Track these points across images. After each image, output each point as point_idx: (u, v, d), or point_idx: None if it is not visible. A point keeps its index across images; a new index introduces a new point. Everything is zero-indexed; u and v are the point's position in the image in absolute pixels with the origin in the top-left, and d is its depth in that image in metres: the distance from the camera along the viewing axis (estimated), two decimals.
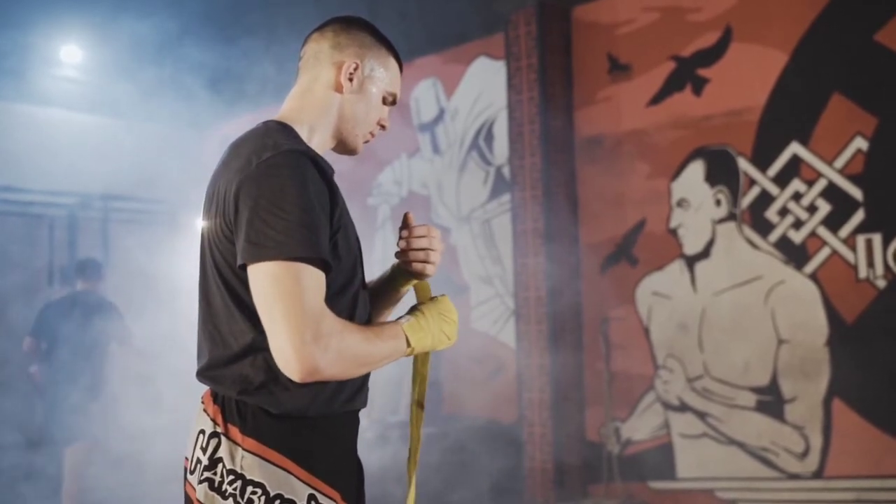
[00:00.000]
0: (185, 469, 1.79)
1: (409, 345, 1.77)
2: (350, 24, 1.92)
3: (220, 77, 7.19)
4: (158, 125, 8.90)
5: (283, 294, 1.57)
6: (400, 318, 1.82)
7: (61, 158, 8.40)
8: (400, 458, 6.03)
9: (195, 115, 8.14)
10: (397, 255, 2.00)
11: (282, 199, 1.60)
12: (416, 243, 1.96)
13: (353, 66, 1.88)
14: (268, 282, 1.59)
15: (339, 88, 1.88)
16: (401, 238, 1.97)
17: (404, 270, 2.01)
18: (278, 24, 6.76)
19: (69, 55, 8.02)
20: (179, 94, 7.33)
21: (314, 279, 1.60)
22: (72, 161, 8.40)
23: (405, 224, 1.99)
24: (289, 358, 1.56)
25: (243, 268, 1.64)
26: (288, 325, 1.56)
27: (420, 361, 1.97)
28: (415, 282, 2.01)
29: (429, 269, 1.98)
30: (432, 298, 1.90)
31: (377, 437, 6.17)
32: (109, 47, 7.45)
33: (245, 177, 1.65)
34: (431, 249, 1.97)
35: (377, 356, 1.70)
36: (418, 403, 1.98)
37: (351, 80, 1.88)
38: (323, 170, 1.70)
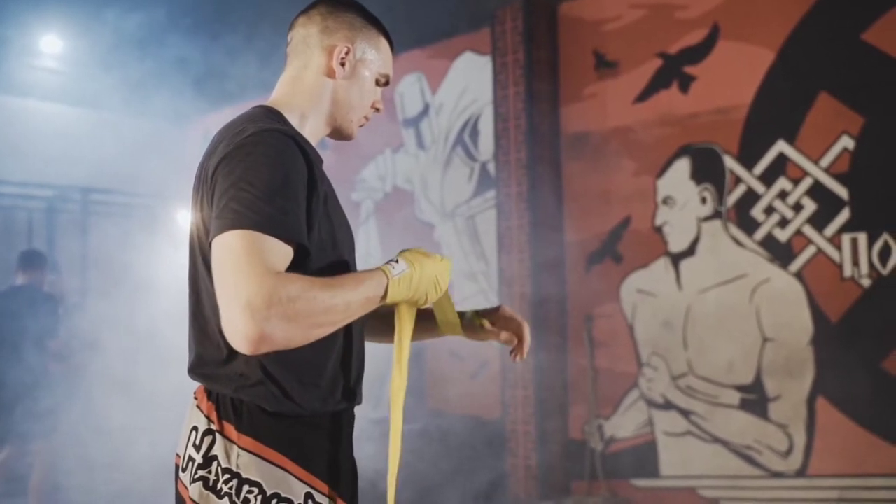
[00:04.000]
0: (177, 466, 1.74)
1: (384, 297, 1.66)
2: (337, 6, 1.86)
3: (203, 71, 7.11)
4: (139, 118, 8.81)
5: (234, 261, 1.49)
6: (393, 262, 1.70)
7: (40, 150, 8.29)
8: (381, 454, 6.01)
9: (177, 109, 8.06)
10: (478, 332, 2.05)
11: (252, 175, 1.55)
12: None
13: (345, 50, 1.82)
14: (221, 252, 1.52)
15: (331, 74, 1.83)
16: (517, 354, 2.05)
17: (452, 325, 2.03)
18: (261, 18, 6.69)
19: (49, 45, 7.92)
20: (161, 87, 7.25)
21: (271, 248, 1.51)
22: (51, 153, 8.30)
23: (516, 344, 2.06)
24: (236, 327, 1.47)
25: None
26: (235, 293, 1.47)
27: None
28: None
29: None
30: (433, 257, 1.76)
31: (358, 434, 6.12)
32: (90, 39, 7.35)
33: (223, 157, 1.60)
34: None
35: (333, 309, 1.56)
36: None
37: (343, 64, 1.83)
38: (305, 152, 1.64)
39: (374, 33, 1.87)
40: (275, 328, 1.46)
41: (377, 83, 1.90)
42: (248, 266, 1.48)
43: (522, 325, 2.04)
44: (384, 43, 1.90)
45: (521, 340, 2.03)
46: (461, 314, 2.03)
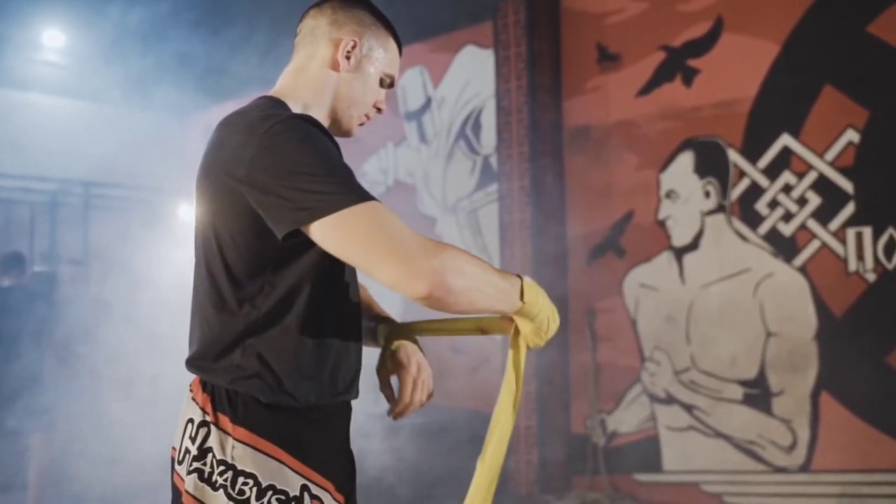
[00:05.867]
0: (172, 459, 1.73)
1: (522, 298, 1.64)
2: (349, 2, 1.86)
3: (204, 66, 7.10)
4: (141, 112, 8.80)
5: (368, 232, 1.49)
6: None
7: (42, 144, 8.29)
8: (378, 448, 5.99)
9: (178, 102, 8.05)
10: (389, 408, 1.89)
11: (306, 157, 1.54)
12: (414, 399, 1.87)
13: (351, 43, 1.81)
14: (345, 230, 1.50)
15: (335, 66, 1.81)
16: (390, 400, 1.87)
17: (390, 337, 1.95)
18: (261, 13, 6.68)
19: (51, 39, 7.90)
20: (162, 81, 7.24)
21: (382, 210, 1.52)
22: (52, 147, 8.30)
23: (387, 381, 1.89)
24: (410, 278, 1.46)
25: (288, 237, 1.56)
26: (392, 251, 1.47)
27: (515, 361, 1.79)
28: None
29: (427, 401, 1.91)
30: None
31: (361, 429, 6.10)
32: (93, 32, 7.34)
33: (255, 150, 1.57)
34: (425, 389, 1.88)
35: (491, 281, 1.57)
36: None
37: (348, 58, 1.81)
38: (327, 132, 1.65)
39: (382, 32, 1.86)
40: (449, 272, 1.48)
41: (381, 83, 1.88)
42: (386, 229, 1.49)
43: (408, 385, 1.87)
44: (392, 44, 1.88)
45: (400, 399, 1.87)
46: (401, 326, 1.97)
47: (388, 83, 1.89)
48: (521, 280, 1.65)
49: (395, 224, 1.50)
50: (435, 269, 1.47)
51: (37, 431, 5.77)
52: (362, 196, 1.51)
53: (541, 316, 1.70)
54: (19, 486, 6.09)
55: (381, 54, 1.85)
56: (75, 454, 6.23)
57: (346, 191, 1.51)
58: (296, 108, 1.76)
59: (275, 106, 1.71)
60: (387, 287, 1.51)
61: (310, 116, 1.65)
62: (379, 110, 1.90)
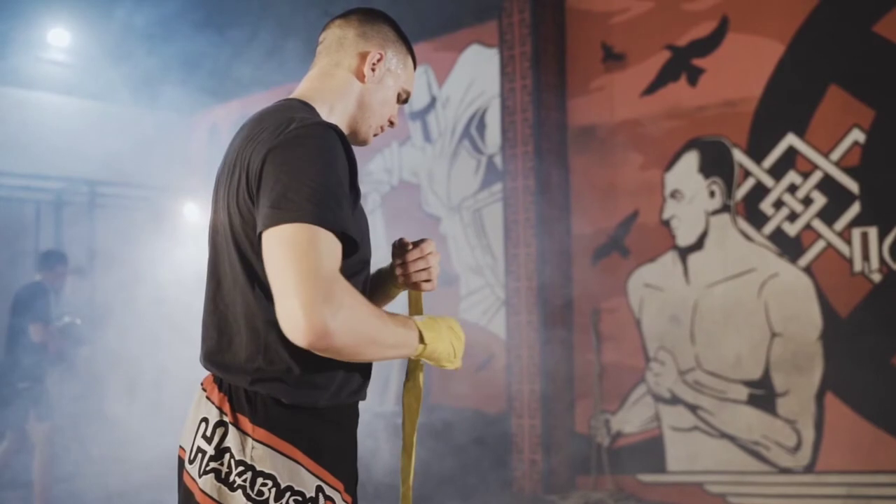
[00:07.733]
0: (181, 459, 1.72)
1: (422, 341, 1.70)
2: (374, 17, 1.93)
3: (209, 64, 7.11)
4: (146, 110, 8.81)
5: (297, 255, 1.49)
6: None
7: (47, 142, 8.31)
8: (384, 448, 5.99)
9: (183, 102, 8.06)
10: (397, 273, 1.96)
11: (307, 167, 1.55)
12: (414, 267, 1.93)
13: (378, 56, 1.88)
14: (282, 244, 1.51)
15: (360, 77, 1.88)
16: (397, 266, 1.94)
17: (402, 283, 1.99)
18: (266, 12, 6.68)
19: (57, 38, 7.91)
20: (168, 80, 7.26)
21: (330, 245, 1.52)
22: (58, 145, 8.32)
23: (399, 251, 1.95)
24: (298, 320, 1.46)
25: (260, 236, 1.57)
26: (298, 286, 1.46)
27: (413, 396, 1.90)
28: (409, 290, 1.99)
29: (429, 285, 1.95)
30: (440, 317, 1.81)
31: (362, 428, 6.10)
32: (98, 31, 7.36)
33: (271, 147, 1.60)
34: (430, 268, 1.94)
35: (388, 340, 1.61)
36: (406, 449, 1.90)
37: (374, 70, 1.88)
38: (349, 146, 1.66)
39: (403, 49, 1.94)
40: (338, 330, 1.48)
41: (398, 98, 1.96)
42: (313, 261, 1.48)
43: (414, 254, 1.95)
44: (410, 61, 1.97)
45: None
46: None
47: (403, 98, 1.99)
48: (416, 324, 1.70)
49: (321, 259, 1.49)
50: (324, 322, 1.46)
51: (37, 423, 5.77)
52: (319, 220, 1.51)
53: (445, 347, 1.75)
54: (21, 485, 6.10)
55: (402, 70, 1.94)
56: (78, 452, 6.25)
57: (311, 207, 1.51)
58: (322, 111, 1.81)
59: (304, 108, 1.76)
60: (278, 317, 1.50)
61: (337, 127, 1.67)
62: (392, 124, 1.98)
